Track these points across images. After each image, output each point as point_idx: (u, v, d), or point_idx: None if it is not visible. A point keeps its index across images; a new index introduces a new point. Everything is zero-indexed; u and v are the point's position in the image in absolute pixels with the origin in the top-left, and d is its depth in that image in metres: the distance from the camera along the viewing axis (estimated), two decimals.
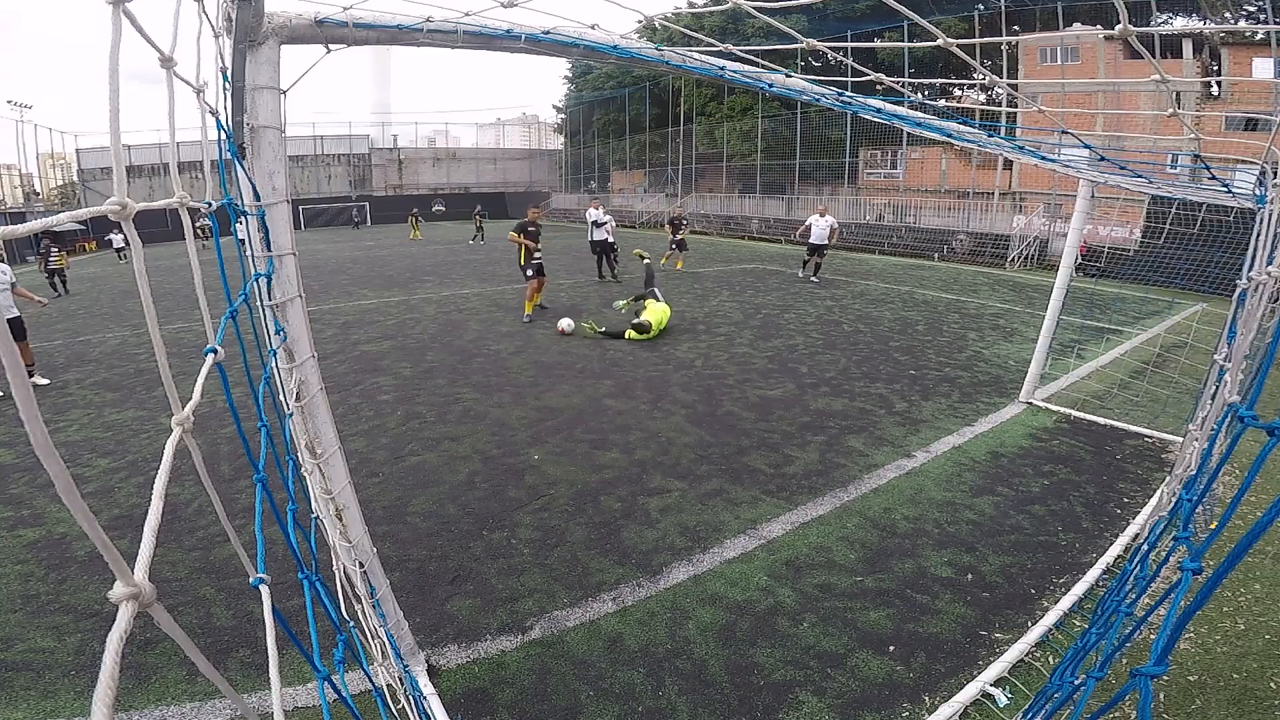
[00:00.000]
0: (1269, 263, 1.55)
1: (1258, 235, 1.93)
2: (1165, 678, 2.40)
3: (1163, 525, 1.57)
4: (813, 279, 12.64)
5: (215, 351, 0.95)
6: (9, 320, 5.99)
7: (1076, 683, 1.43)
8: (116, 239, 20.90)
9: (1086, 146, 2.52)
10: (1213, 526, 2.88)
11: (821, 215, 12.23)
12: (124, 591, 0.52)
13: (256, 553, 0.93)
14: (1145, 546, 1.49)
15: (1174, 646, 0.79)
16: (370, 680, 1.45)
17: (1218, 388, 1.64)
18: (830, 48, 1.71)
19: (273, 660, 0.83)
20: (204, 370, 0.90)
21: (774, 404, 5.54)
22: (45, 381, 6.40)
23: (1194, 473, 1.48)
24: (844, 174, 25.31)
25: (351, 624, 1.48)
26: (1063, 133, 2.46)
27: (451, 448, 4.66)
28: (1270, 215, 1.75)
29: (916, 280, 13.75)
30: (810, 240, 12.20)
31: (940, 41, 1.38)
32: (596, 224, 12.16)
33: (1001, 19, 19.63)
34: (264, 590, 0.86)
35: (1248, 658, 2.54)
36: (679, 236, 14.22)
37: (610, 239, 12.33)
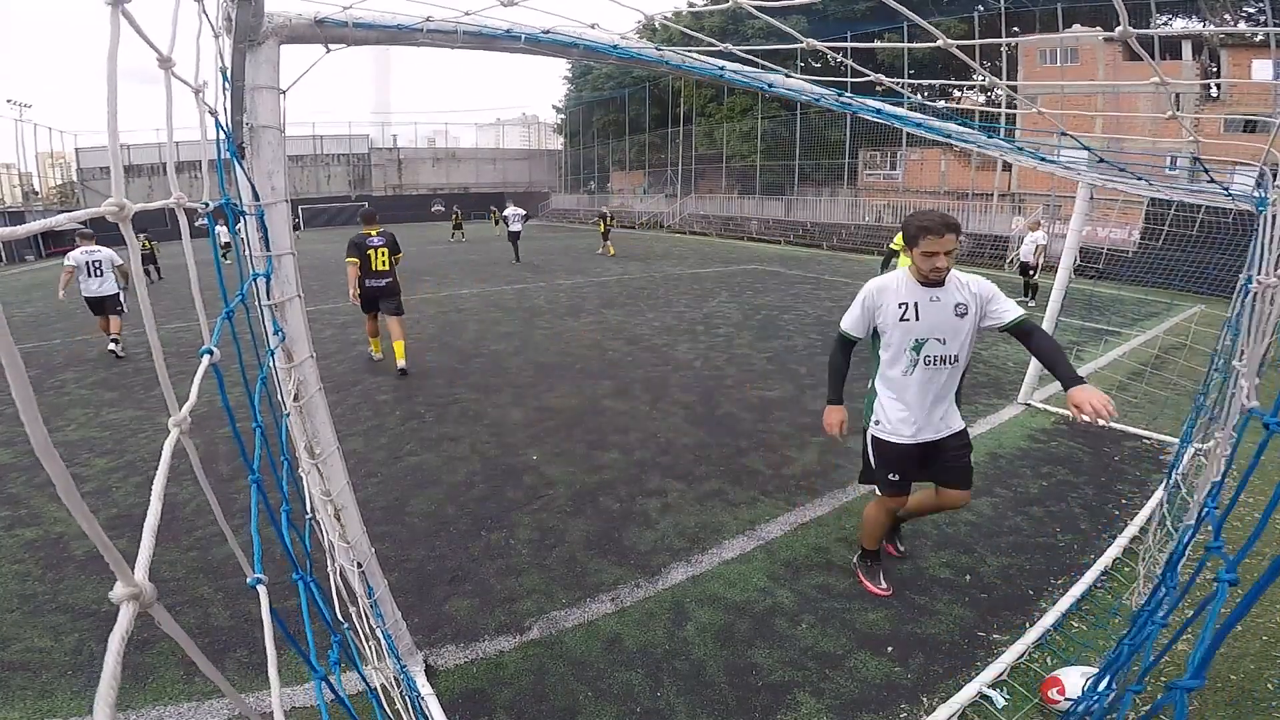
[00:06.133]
0: (1277, 268, 1.54)
1: (1261, 239, 1.93)
2: (1164, 679, 2.40)
3: (1190, 535, 1.56)
4: (1029, 303, 10.19)
5: (211, 353, 0.94)
6: (106, 297, 7.19)
7: (1110, 698, 1.41)
8: (223, 234, 15.63)
9: (1086, 149, 2.51)
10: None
11: (1033, 230, 10.63)
12: (125, 592, 0.52)
13: (253, 553, 0.92)
14: (1175, 557, 1.48)
15: (1211, 659, 0.80)
16: (365, 682, 1.45)
17: (1234, 392, 1.63)
18: (830, 47, 1.71)
19: (271, 661, 0.83)
20: (199, 371, 0.90)
21: (773, 405, 5.54)
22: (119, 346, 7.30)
23: (1218, 480, 1.46)
24: (843, 175, 25.34)
25: (346, 625, 1.48)
26: (1062, 134, 2.46)
27: (450, 448, 4.66)
28: (1274, 219, 1.74)
29: None
30: (1020, 258, 10.37)
31: (940, 42, 1.38)
32: (512, 218, 17.10)
33: (1001, 20, 19.66)
34: (261, 590, 0.85)
35: (1245, 659, 2.54)
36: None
37: (519, 229, 17.09)
